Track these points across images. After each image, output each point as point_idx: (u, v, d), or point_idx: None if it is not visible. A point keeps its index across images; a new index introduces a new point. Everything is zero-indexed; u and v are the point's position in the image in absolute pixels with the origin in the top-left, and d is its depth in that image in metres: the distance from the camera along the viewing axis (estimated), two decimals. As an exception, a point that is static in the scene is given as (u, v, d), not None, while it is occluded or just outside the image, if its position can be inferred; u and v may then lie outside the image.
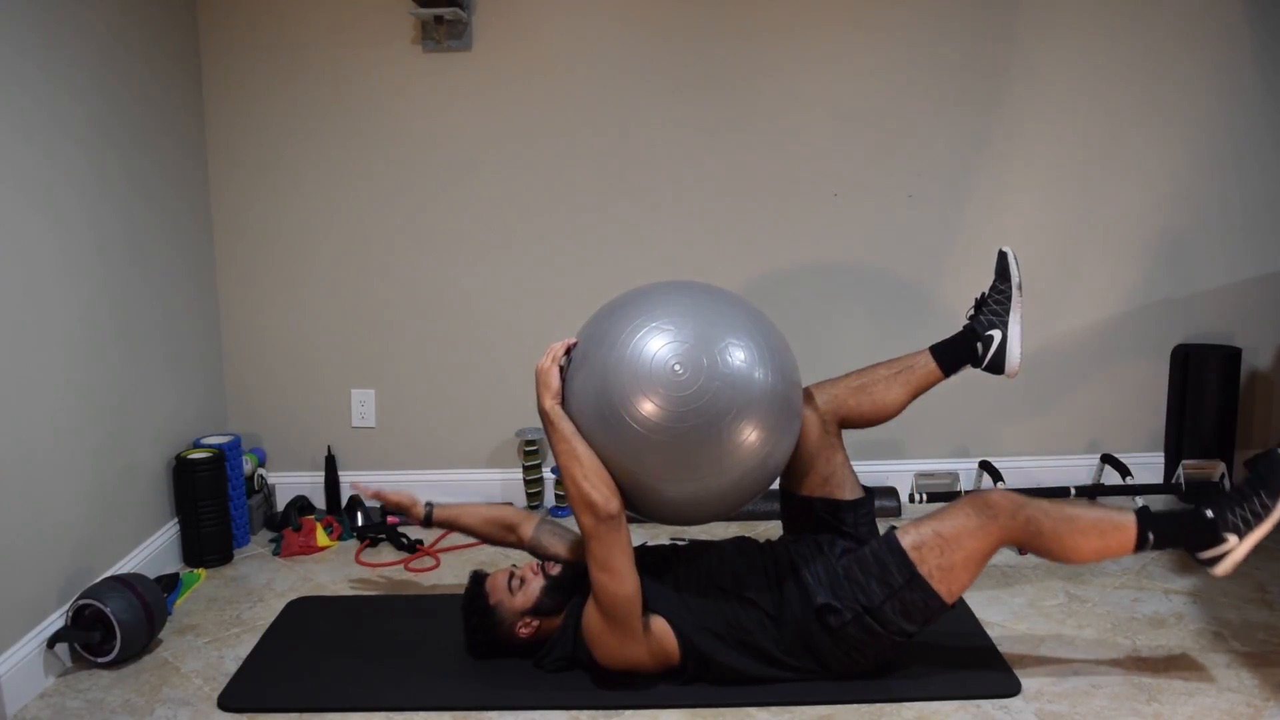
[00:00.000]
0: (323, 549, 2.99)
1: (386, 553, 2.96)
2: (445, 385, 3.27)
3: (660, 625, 2.05)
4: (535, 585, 2.17)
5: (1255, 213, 3.19)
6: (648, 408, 1.89)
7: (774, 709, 2.03)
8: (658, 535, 2.96)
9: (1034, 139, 3.13)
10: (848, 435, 2.27)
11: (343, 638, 2.37)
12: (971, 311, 2.33)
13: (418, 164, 3.16)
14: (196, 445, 2.95)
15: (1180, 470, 3.10)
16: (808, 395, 2.21)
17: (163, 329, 2.85)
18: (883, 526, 2.18)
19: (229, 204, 3.17)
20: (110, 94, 2.58)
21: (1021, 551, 2.81)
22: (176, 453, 2.89)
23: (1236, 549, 1.98)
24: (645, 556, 2.14)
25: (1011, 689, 2.07)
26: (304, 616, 2.51)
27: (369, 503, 3.25)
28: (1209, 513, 2.00)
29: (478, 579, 2.25)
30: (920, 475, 3.25)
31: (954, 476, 3.21)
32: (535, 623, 2.16)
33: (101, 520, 2.50)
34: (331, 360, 3.26)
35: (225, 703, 2.09)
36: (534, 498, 3.24)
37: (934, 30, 3.08)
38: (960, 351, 2.29)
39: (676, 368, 1.89)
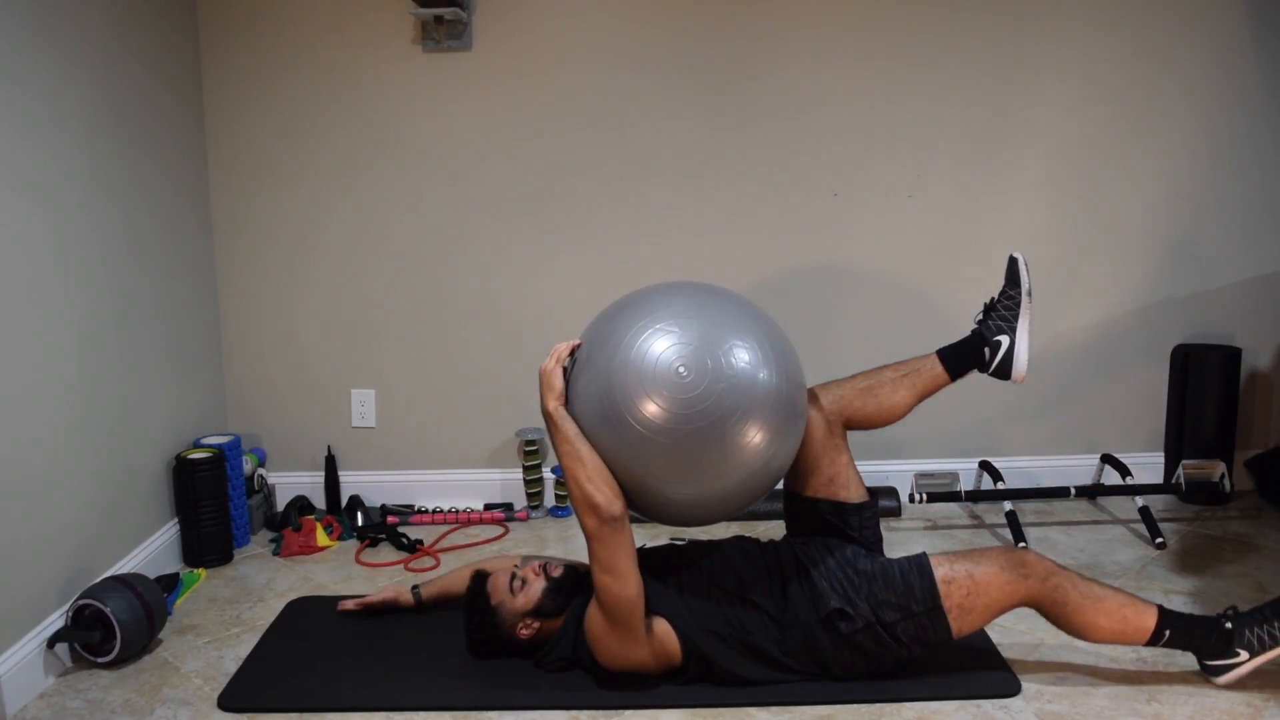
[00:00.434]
0: (323, 549, 2.99)
1: (386, 553, 2.96)
2: (445, 385, 3.27)
3: (662, 627, 2.05)
4: (537, 587, 2.17)
5: (1255, 213, 3.19)
6: (652, 410, 1.89)
7: (774, 709, 2.03)
8: (658, 535, 2.96)
9: (1035, 139, 3.13)
10: (850, 436, 2.27)
11: (343, 638, 2.37)
12: (980, 316, 2.33)
13: (418, 164, 3.16)
14: (196, 445, 2.95)
15: (1180, 470, 3.10)
16: (813, 396, 2.21)
17: (163, 329, 2.84)
18: (883, 527, 2.17)
19: (229, 204, 3.17)
20: (110, 94, 2.58)
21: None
22: (176, 453, 2.88)
23: (1245, 665, 2.03)
24: (647, 558, 2.14)
25: (1011, 689, 2.07)
26: (304, 616, 2.50)
27: (369, 502, 3.25)
28: (1228, 625, 2.04)
29: (480, 579, 2.25)
30: (920, 475, 3.25)
31: (954, 476, 3.21)
32: (536, 624, 2.16)
33: (101, 520, 2.50)
34: (331, 360, 3.26)
35: (225, 703, 2.09)
36: (534, 498, 3.24)
37: (934, 30, 3.08)
38: (968, 356, 2.29)
39: (681, 370, 1.89)
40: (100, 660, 2.25)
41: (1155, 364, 3.26)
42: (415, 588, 2.51)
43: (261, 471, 3.19)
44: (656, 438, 1.89)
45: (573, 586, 2.18)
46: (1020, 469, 3.26)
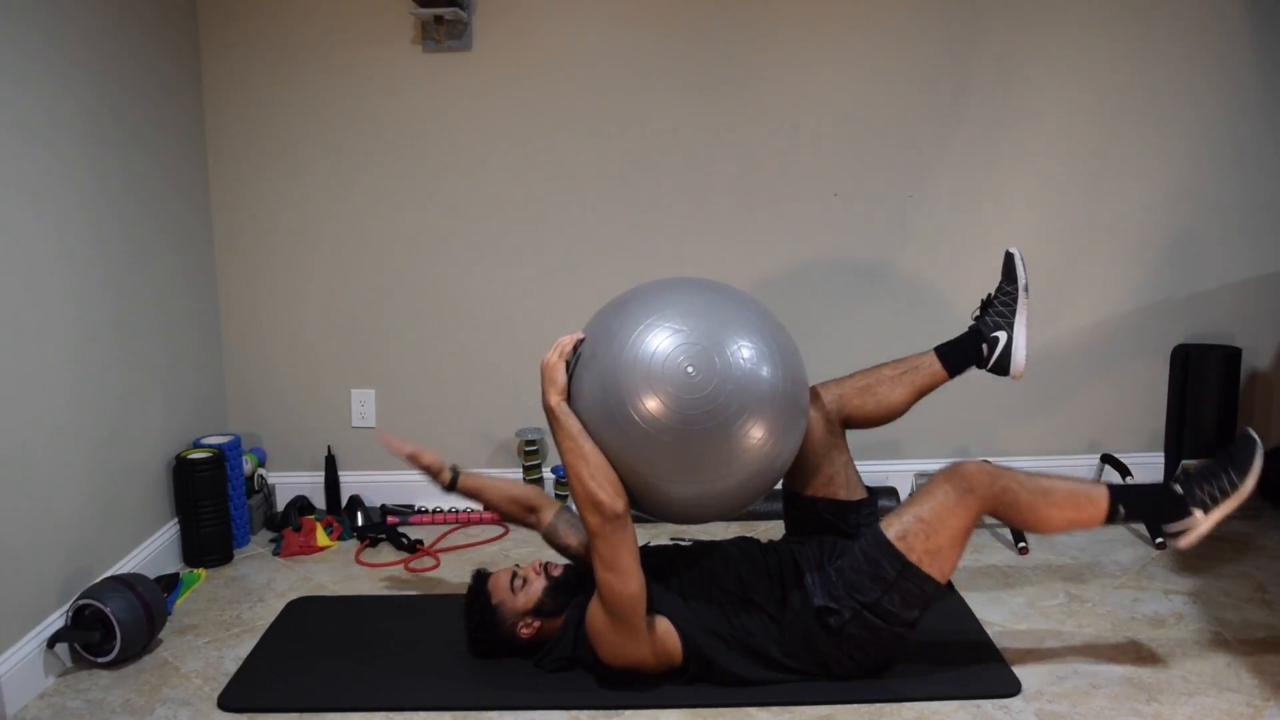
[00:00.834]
0: (323, 549, 2.99)
1: (386, 553, 2.96)
2: (445, 385, 3.27)
3: (664, 626, 2.05)
4: (537, 586, 2.17)
5: (1255, 213, 3.19)
6: (658, 408, 1.88)
7: (774, 709, 2.03)
8: (658, 535, 2.96)
9: (1034, 140, 3.13)
10: (850, 435, 2.27)
11: (343, 638, 2.37)
12: (977, 313, 2.33)
13: (418, 164, 3.16)
14: (196, 445, 2.95)
15: (1180, 470, 3.10)
16: (813, 395, 2.21)
17: (162, 329, 2.84)
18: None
19: (229, 204, 3.17)
20: (110, 94, 2.58)
21: (1022, 551, 2.81)
22: (176, 452, 2.88)
23: (1202, 524, 2.03)
24: (649, 557, 2.13)
25: (1011, 689, 2.07)
26: (304, 616, 2.51)
27: (369, 502, 3.25)
28: (1178, 488, 2.05)
29: (480, 578, 2.25)
30: (920, 475, 3.25)
31: (954, 476, 3.20)
32: (537, 623, 2.16)
33: (101, 520, 2.50)
34: (331, 360, 3.26)
35: (225, 703, 2.09)
36: (534, 498, 3.23)
37: (935, 30, 3.08)
38: (966, 353, 2.29)
39: (690, 369, 1.89)
40: (100, 660, 2.25)
41: (1155, 364, 3.26)
42: (455, 468, 2.48)
43: (261, 471, 3.19)
44: (662, 436, 1.89)
45: (573, 585, 2.18)
46: (1020, 469, 3.25)
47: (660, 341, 1.91)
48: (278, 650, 2.33)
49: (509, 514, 2.49)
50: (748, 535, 2.30)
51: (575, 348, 2.04)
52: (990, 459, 3.20)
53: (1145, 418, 3.30)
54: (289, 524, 3.06)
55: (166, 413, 2.86)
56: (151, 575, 2.55)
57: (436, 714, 2.04)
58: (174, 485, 2.86)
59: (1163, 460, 3.25)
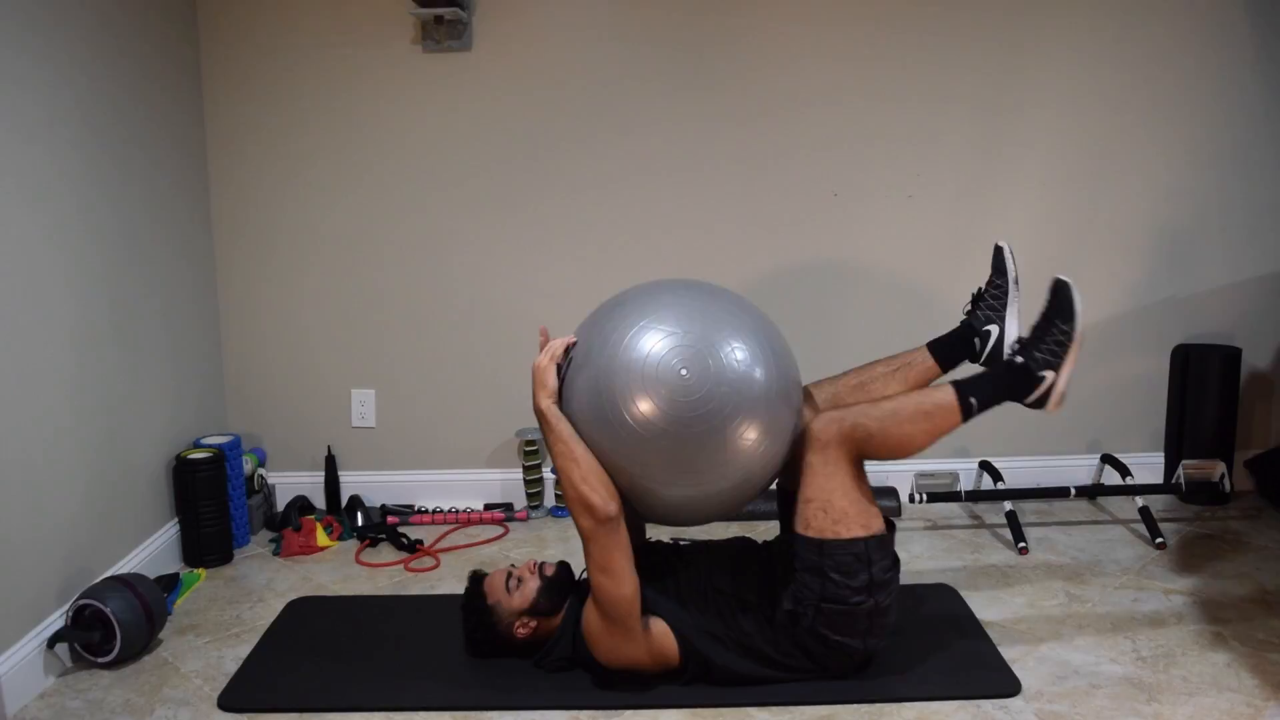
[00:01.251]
0: (323, 549, 2.99)
1: (386, 553, 2.96)
2: (445, 385, 3.27)
3: (660, 627, 2.05)
4: (532, 586, 2.17)
5: (1256, 212, 3.19)
6: (651, 410, 1.88)
7: (774, 709, 2.03)
8: (656, 535, 2.96)
9: (1035, 139, 3.13)
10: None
11: (343, 638, 2.37)
12: (969, 307, 2.33)
13: (417, 164, 3.15)
14: (196, 445, 2.95)
15: (1180, 470, 3.10)
16: (807, 394, 2.20)
17: (162, 328, 2.84)
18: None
19: (229, 204, 3.17)
20: (110, 94, 2.58)
21: (1022, 551, 2.81)
22: (176, 452, 2.88)
23: (1057, 381, 2.06)
24: (645, 558, 2.13)
25: (1011, 689, 2.07)
26: (304, 616, 2.51)
27: (369, 502, 3.25)
28: (1019, 359, 2.07)
29: (476, 579, 2.26)
30: (920, 475, 3.25)
31: (954, 476, 3.21)
32: (533, 623, 2.16)
33: (101, 520, 2.50)
34: (331, 360, 3.26)
35: (225, 703, 2.09)
36: (534, 498, 3.23)
37: (935, 30, 3.08)
38: (958, 347, 2.29)
39: (683, 371, 1.89)
40: (100, 660, 2.25)
41: (1156, 364, 3.26)
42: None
43: (261, 471, 3.19)
44: (655, 439, 1.89)
45: (568, 584, 2.18)
46: (1020, 469, 3.26)
47: (654, 344, 1.91)
48: (278, 650, 2.33)
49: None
50: (745, 536, 2.29)
51: (566, 351, 2.04)
52: (990, 459, 3.21)
53: (1145, 417, 3.30)
54: (289, 524, 3.06)
55: (166, 413, 2.86)
56: (151, 575, 2.54)
57: (436, 714, 2.04)
58: (174, 485, 2.86)
59: (1163, 460, 3.25)
